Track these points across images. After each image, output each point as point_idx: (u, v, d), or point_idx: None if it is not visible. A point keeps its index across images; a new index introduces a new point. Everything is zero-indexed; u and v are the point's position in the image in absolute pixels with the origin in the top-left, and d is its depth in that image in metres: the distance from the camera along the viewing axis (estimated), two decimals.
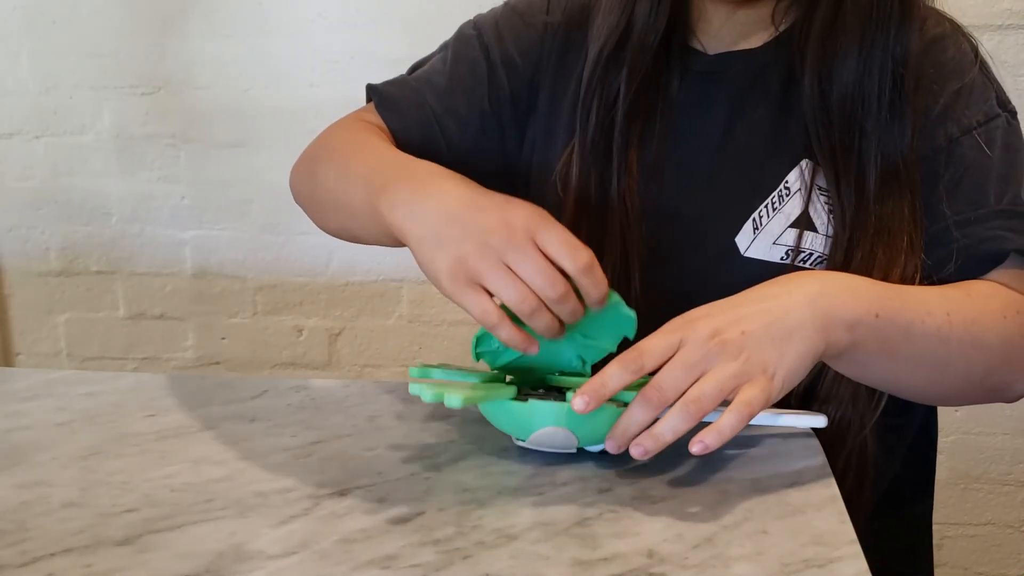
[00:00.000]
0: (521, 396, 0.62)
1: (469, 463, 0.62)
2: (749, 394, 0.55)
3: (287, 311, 1.70)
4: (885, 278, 0.70)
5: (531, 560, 0.50)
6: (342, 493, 0.58)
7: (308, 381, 0.79)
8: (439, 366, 0.67)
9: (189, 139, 1.65)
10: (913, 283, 0.71)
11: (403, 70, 1.69)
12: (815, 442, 0.65)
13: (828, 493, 0.57)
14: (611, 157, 0.79)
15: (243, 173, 1.65)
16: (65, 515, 0.56)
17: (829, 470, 0.60)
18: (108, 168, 1.68)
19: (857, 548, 0.50)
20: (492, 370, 0.67)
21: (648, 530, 0.53)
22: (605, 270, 0.76)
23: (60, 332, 1.77)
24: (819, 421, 0.63)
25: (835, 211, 0.73)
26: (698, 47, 0.81)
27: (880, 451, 0.75)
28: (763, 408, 0.56)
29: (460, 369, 0.67)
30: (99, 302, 1.74)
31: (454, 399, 0.55)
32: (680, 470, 0.61)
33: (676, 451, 0.64)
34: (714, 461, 0.62)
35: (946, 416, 1.49)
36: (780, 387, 0.57)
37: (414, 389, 0.58)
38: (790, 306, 0.58)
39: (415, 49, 1.61)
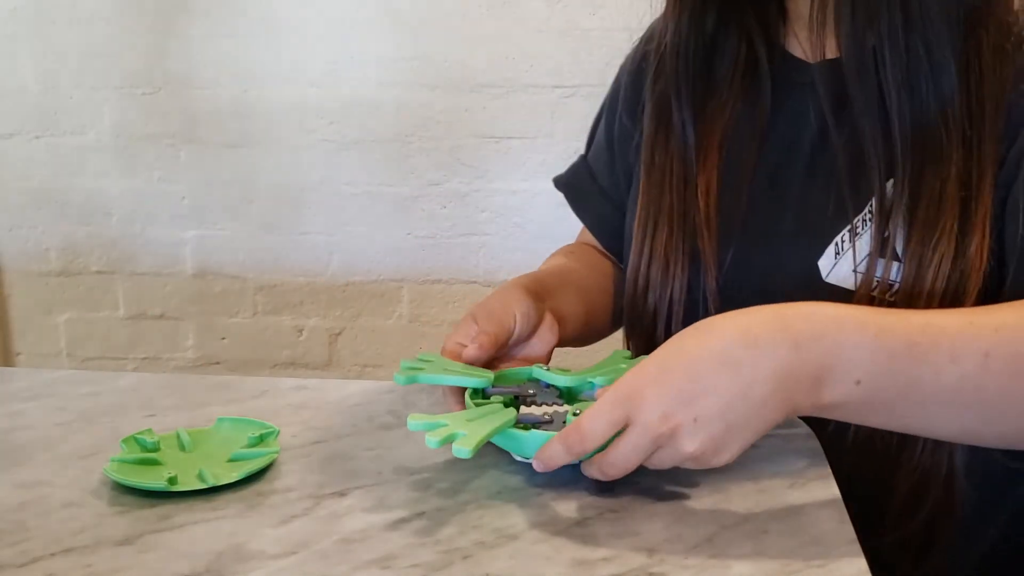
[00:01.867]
0: (519, 417, 0.62)
1: (469, 463, 0.62)
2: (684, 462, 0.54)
3: (287, 311, 1.70)
4: (936, 218, 0.65)
5: (531, 560, 0.50)
6: (342, 493, 0.58)
7: (308, 381, 0.79)
8: (425, 363, 0.67)
9: (189, 139, 1.65)
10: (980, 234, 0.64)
11: (402, 70, 1.70)
12: (815, 442, 0.65)
13: (828, 493, 0.57)
14: (676, 166, 0.76)
15: (243, 173, 1.65)
16: (65, 515, 0.56)
17: (829, 470, 0.60)
18: (108, 168, 1.68)
19: (857, 548, 0.50)
20: (473, 370, 0.67)
21: (648, 530, 0.53)
22: (672, 286, 0.76)
23: (60, 332, 1.77)
24: None
25: (872, 162, 0.68)
26: (798, 53, 0.76)
27: (977, 498, 0.68)
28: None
29: (447, 367, 0.66)
30: (99, 302, 1.74)
31: (463, 450, 0.54)
32: (680, 470, 0.61)
33: None
34: None
35: None
36: (727, 460, 0.54)
37: (414, 425, 0.57)
38: (753, 382, 0.51)
39: (414, 49, 1.61)
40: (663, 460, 0.53)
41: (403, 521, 0.54)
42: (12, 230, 1.74)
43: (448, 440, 0.55)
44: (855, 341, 0.53)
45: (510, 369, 0.69)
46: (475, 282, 1.63)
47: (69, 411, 0.73)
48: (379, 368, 1.71)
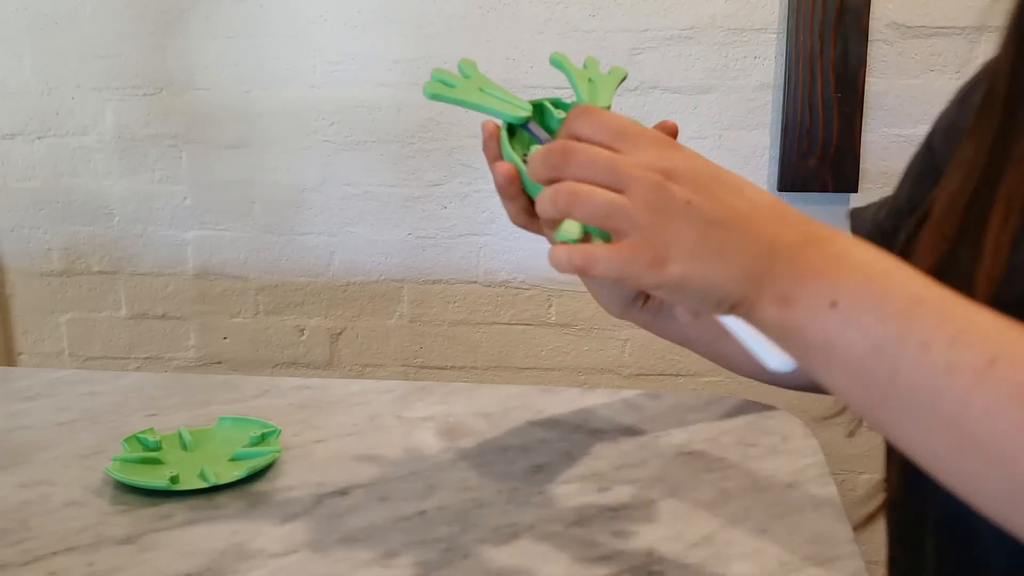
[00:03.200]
0: (528, 126, 0.56)
1: (469, 462, 0.62)
2: (607, 252, 0.44)
3: (288, 311, 1.70)
4: None
5: (531, 560, 0.50)
6: (343, 492, 0.58)
7: (309, 380, 0.80)
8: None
9: (191, 140, 1.65)
10: None
11: (403, 71, 1.70)
12: (814, 442, 0.65)
13: (827, 492, 0.58)
14: (965, 229, 0.58)
15: (245, 174, 1.65)
16: (67, 514, 0.56)
17: (827, 470, 0.61)
18: (110, 169, 1.68)
19: (855, 547, 0.51)
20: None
21: (648, 529, 0.53)
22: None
23: (62, 332, 1.77)
24: (780, 363, 0.46)
25: None
26: None
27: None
28: (608, 276, 0.44)
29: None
30: (101, 302, 1.75)
31: (426, 90, 0.53)
32: (680, 469, 0.61)
33: (676, 449, 0.64)
34: (714, 460, 0.62)
35: None
36: (657, 280, 0.44)
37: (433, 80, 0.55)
38: (753, 225, 0.44)
39: (415, 51, 1.61)
40: (601, 196, 0.45)
41: (404, 520, 0.54)
42: (14, 230, 1.74)
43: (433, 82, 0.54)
44: (856, 267, 0.43)
45: (558, 99, 0.58)
46: (475, 282, 1.63)
47: (71, 410, 0.73)
48: (380, 368, 1.71)
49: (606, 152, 0.45)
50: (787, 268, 0.44)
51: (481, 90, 0.56)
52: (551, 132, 0.57)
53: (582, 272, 0.45)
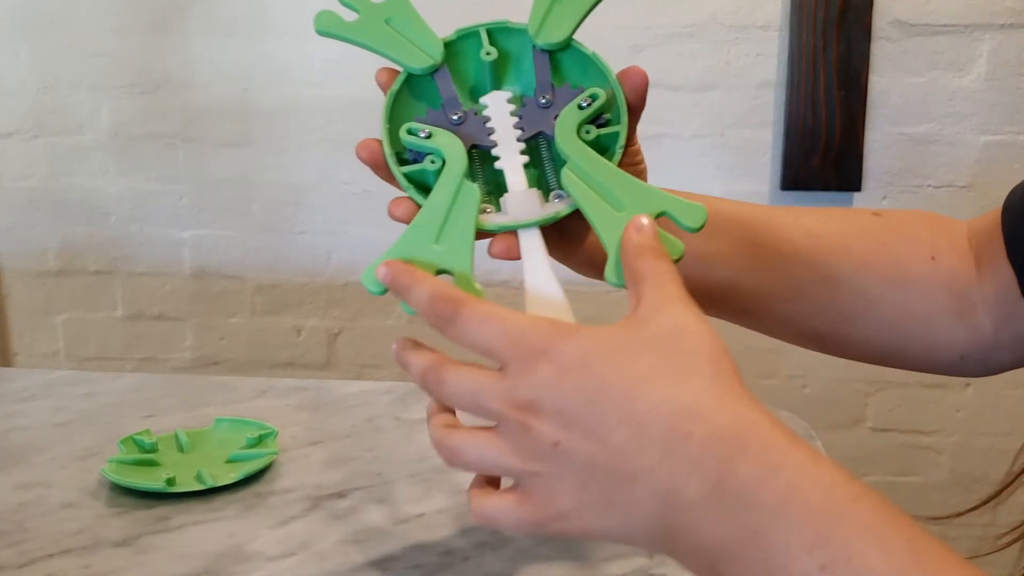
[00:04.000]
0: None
1: None
2: (498, 510, 0.37)
3: (286, 311, 1.69)
4: None
5: (531, 560, 0.49)
6: (341, 494, 0.58)
7: (307, 382, 0.79)
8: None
9: (188, 138, 1.65)
10: None
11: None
12: (818, 444, 0.64)
13: None
14: None
15: (242, 173, 1.65)
16: (64, 516, 0.55)
17: None
18: (106, 167, 1.68)
19: None
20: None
21: None
22: None
23: (58, 332, 1.77)
24: None
25: None
26: None
27: None
28: (520, 533, 0.38)
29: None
30: (97, 302, 1.74)
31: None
32: None
33: None
34: None
35: (948, 417, 1.49)
36: (557, 534, 0.36)
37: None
38: (640, 470, 0.34)
39: None
40: (484, 454, 0.37)
41: (402, 522, 0.54)
42: (10, 230, 1.73)
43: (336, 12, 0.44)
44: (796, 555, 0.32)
45: (503, 24, 0.46)
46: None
47: (67, 411, 0.72)
48: (378, 368, 1.70)
49: (474, 386, 0.38)
50: (691, 540, 0.34)
51: (387, 22, 0.45)
52: (477, 74, 0.45)
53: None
